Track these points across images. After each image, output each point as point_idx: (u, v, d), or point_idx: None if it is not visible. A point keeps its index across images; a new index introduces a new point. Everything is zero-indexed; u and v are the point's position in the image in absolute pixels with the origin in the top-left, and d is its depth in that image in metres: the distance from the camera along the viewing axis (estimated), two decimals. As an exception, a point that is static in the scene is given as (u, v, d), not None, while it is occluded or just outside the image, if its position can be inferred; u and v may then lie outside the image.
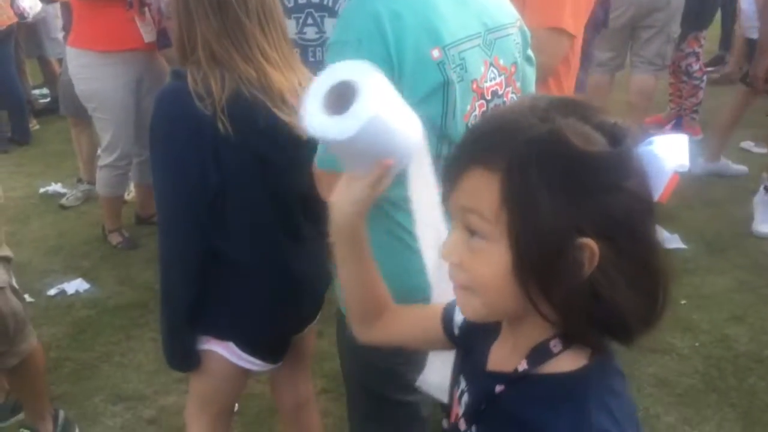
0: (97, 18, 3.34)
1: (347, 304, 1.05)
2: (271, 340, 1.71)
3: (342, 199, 0.93)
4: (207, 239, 1.53)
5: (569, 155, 0.68)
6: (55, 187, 4.53)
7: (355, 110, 0.84)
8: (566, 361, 0.76)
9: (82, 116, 3.91)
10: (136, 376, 2.80)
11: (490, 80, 1.37)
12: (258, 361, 1.69)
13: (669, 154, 0.75)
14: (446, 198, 0.78)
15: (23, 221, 4.13)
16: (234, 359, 1.66)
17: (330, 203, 0.95)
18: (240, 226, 1.55)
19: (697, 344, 2.96)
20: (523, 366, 0.77)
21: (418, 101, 1.25)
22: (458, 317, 0.96)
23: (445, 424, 0.91)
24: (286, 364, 1.81)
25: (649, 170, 0.73)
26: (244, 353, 1.66)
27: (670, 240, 3.79)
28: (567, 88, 2.29)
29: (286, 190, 1.58)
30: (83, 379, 2.80)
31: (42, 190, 4.51)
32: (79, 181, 4.39)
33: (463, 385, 0.89)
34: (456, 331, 0.96)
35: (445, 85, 1.27)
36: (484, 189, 0.71)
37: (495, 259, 0.72)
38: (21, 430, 2.40)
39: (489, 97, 1.37)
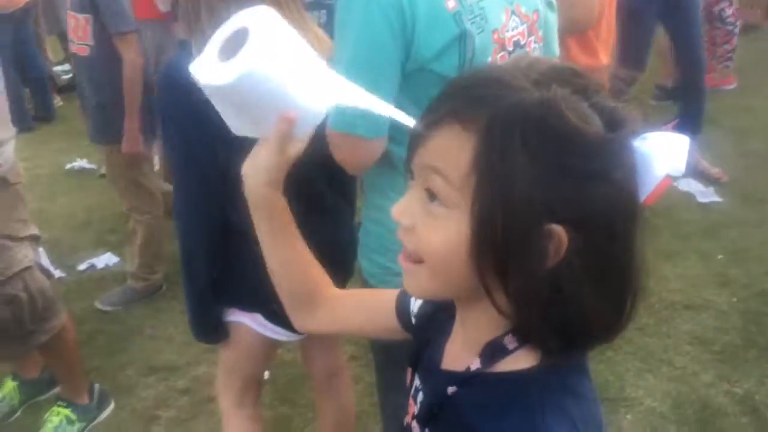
0: None
1: (277, 289, 0.94)
2: None
3: (250, 168, 0.84)
4: (223, 213, 1.50)
5: (559, 129, 0.60)
6: (81, 162, 4.55)
7: (243, 53, 0.76)
8: (523, 359, 0.68)
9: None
10: (167, 348, 2.82)
11: (512, 30, 1.30)
12: (285, 331, 1.67)
13: (664, 154, 0.66)
14: (411, 154, 0.69)
15: (50, 198, 4.16)
16: (261, 330, 1.65)
17: (243, 174, 0.86)
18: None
19: (734, 300, 2.88)
20: (475, 365, 0.69)
21: (433, 56, 1.21)
22: (414, 305, 0.88)
23: (404, 421, 0.84)
24: (313, 338, 1.79)
25: (639, 168, 0.64)
26: (271, 323, 1.65)
27: (704, 194, 3.69)
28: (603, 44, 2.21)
29: (303, 159, 1.53)
30: (116, 352, 2.83)
31: (68, 166, 4.54)
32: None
33: (417, 381, 0.81)
34: (413, 320, 0.88)
35: (462, 38, 1.21)
36: (455, 148, 0.63)
37: (452, 229, 0.64)
38: (58, 402, 2.43)
39: (511, 48, 1.31)
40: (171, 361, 2.75)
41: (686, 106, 3.91)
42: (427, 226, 0.66)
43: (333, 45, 1.42)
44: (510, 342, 0.68)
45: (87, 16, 2.68)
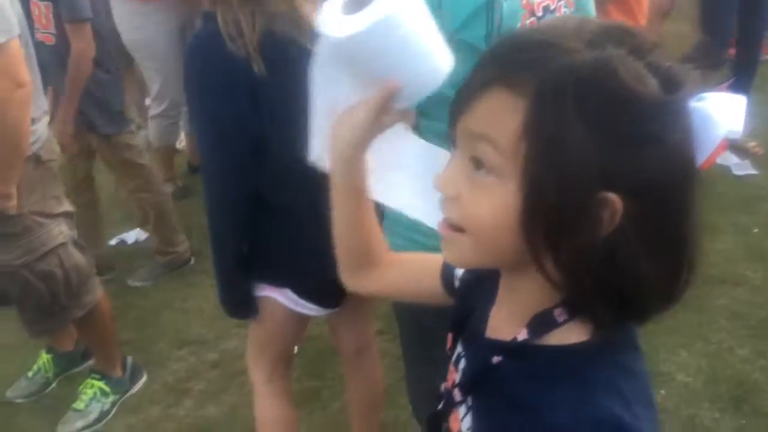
0: None
1: (338, 246, 0.94)
2: (327, 286, 1.67)
3: (343, 127, 0.82)
4: (251, 185, 1.49)
5: (615, 92, 0.57)
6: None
7: (371, 8, 0.74)
8: (572, 333, 0.65)
9: (127, 65, 3.91)
10: (198, 322, 2.85)
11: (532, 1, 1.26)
12: (315, 306, 1.67)
13: (722, 116, 0.63)
14: (454, 120, 0.66)
15: (81, 174, 4.20)
16: (291, 305, 1.64)
17: (331, 133, 0.84)
18: (285, 169, 1.47)
19: (771, 274, 2.82)
20: (522, 335, 0.67)
21: (461, 25, 1.18)
22: (459, 270, 0.86)
23: (442, 387, 0.82)
24: (344, 309, 1.78)
25: (697, 130, 0.61)
26: (301, 299, 1.64)
27: (740, 166, 3.60)
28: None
29: None
30: (148, 325, 2.86)
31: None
32: (139, 128, 4.41)
33: (460, 349, 0.79)
34: (456, 283, 0.87)
35: (489, 4, 1.18)
36: (504, 114, 0.60)
37: (501, 200, 0.61)
38: (92, 375, 2.47)
39: (540, 13, 1.26)
40: (201, 334, 2.77)
41: (739, 70, 3.80)
42: (473, 196, 0.64)
43: None
44: (560, 314, 0.66)
45: (47, 3, 2.63)
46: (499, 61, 0.63)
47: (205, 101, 1.45)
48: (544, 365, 0.66)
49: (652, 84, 0.58)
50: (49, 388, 2.56)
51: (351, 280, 0.96)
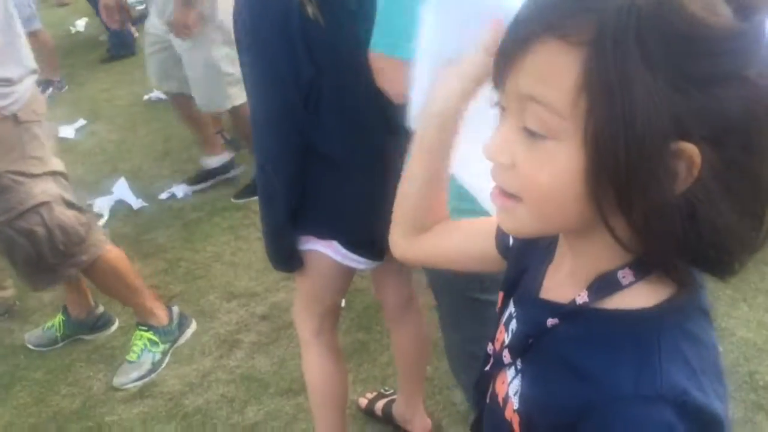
0: None
1: (402, 203, 0.89)
2: (374, 237, 1.64)
3: (450, 75, 0.77)
4: (305, 136, 1.45)
5: (684, 27, 0.50)
6: (158, 93, 4.60)
7: None
8: (636, 296, 0.60)
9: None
10: (247, 275, 2.87)
11: None
12: (362, 259, 1.64)
13: None
14: (499, 81, 0.60)
15: (131, 129, 4.25)
16: (338, 258, 1.62)
17: (436, 85, 0.79)
18: (338, 120, 1.45)
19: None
20: (582, 298, 0.62)
21: None
22: None
23: (489, 348, 0.78)
24: (388, 263, 1.75)
25: None
26: (348, 251, 1.62)
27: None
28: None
29: (366, 106, 1.44)
30: (198, 278, 2.91)
31: (146, 97, 4.61)
32: None
33: (511, 308, 0.75)
34: (510, 242, 0.81)
35: None
36: (558, 68, 0.54)
37: (563, 162, 0.55)
38: (138, 327, 2.51)
39: None
40: (250, 287, 2.80)
41: None
42: (531, 162, 0.58)
43: None
44: (625, 276, 0.60)
45: None
46: (545, 9, 0.56)
47: (255, 48, 1.40)
48: (605, 331, 0.61)
49: (724, 11, 0.51)
50: (57, 346, 2.59)
51: (403, 244, 0.91)
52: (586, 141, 0.54)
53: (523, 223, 0.62)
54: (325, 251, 1.62)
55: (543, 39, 0.54)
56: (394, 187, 1.50)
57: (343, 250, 1.61)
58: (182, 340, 2.56)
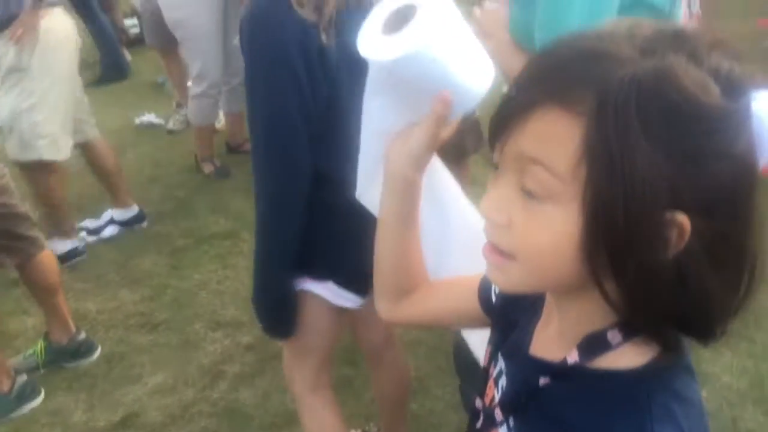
0: None
1: (379, 272, 0.91)
2: (366, 272, 1.62)
3: (399, 150, 0.80)
4: (313, 168, 1.39)
5: (679, 104, 0.53)
6: (149, 117, 4.61)
7: (414, 28, 0.73)
8: (625, 356, 0.62)
9: (168, 45, 3.92)
10: (233, 304, 2.86)
11: None
12: (353, 296, 1.61)
13: None
14: (498, 141, 0.61)
15: (120, 152, 4.22)
16: (332, 298, 1.58)
17: (386, 154, 0.82)
18: (347, 146, 1.44)
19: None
20: (573, 357, 0.63)
21: None
22: None
23: (478, 403, 0.79)
24: (366, 309, 1.75)
25: (757, 134, 0.56)
26: (343, 290, 1.57)
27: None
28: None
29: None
30: (183, 306, 2.89)
31: (137, 121, 4.60)
32: (178, 106, 4.44)
33: (501, 365, 0.76)
34: (494, 299, 0.83)
35: None
36: (559, 135, 0.55)
37: (560, 225, 0.57)
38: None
39: None
40: (236, 317, 2.78)
41: None
42: (529, 223, 0.59)
43: None
44: (613, 336, 0.62)
45: None
46: (548, 77, 0.58)
47: (263, 68, 1.35)
48: (597, 390, 0.62)
49: (716, 93, 0.54)
50: (39, 373, 2.54)
51: (389, 308, 0.93)
52: (585, 205, 0.55)
53: (514, 281, 0.63)
54: (321, 292, 1.57)
55: (546, 106, 0.56)
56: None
57: (339, 289, 1.58)
58: (17, 413, 2.39)
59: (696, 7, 1.39)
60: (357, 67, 1.32)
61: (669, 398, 0.60)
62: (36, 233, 2.44)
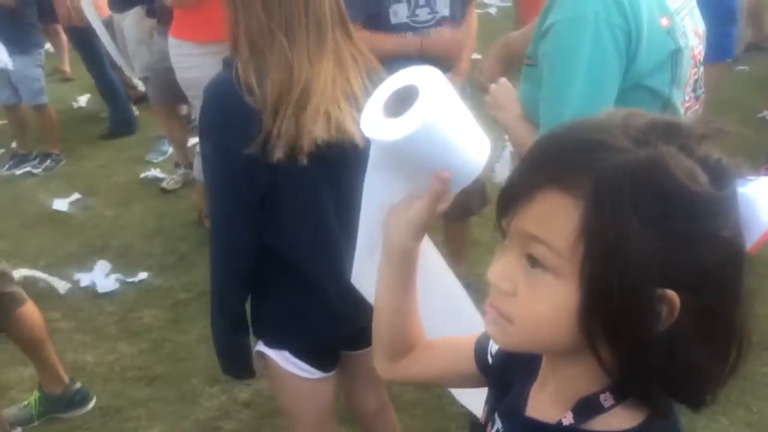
0: (197, 9, 3.41)
1: (378, 335, 0.95)
2: (325, 346, 1.62)
3: (399, 220, 0.86)
4: (261, 235, 1.47)
5: (670, 191, 0.58)
6: (155, 172, 4.69)
7: (412, 112, 0.78)
8: (618, 419, 0.66)
9: (170, 103, 4.03)
10: (232, 360, 2.85)
11: (696, 48, 1.37)
12: (312, 369, 1.62)
13: (766, 202, 0.64)
14: (504, 217, 0.66)
15: (126, 205, 4.30)
16: (289, 367, 1.60)
17: (385, 222, 0.88)
18: (296, 223, 1.47)
19: (817, 343, 2.73)
20: (568, 420, 0.68)
21: (650, 71, 1.27)
22: (493, 345, 0.87)
23: None
24: (358, 371, 1.75)
25: (744, 216, 0.62)
26: (299, 360, 1.60)
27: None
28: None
29: (350, 187, 1.47)
30: (181, 360, 2.89)
31: (142, 175, 4.68)
32: (177, 165, 4.52)
33: (498, 425, 0.79)
34: (490, 360, 0.87)
35: (676, 53, 1.28)
36: (559, 216, 0.61)
37: (559, 298, 0.62)
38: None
39: (698, 66, 1.37)
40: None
41: None
42: (531, 293, 0.64)
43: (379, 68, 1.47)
44: (606, 399, 0.66)
45: None
46: (550, 162, 0.63)
47: (216, 148, 1.43)
48: None
49: (704, 181, 0.59)
50: (32, 425, 2.54)
51: (388, 368, 0.97)
52: (583, 281, 0.60)
53: (511, 340, 0.68)
54: (276, 359, 1.60)
55: (548, 189, 0.62)
56: (347, 300, 1.52)
57: (293, 359, 1.59)
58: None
59: (700, 92, 1.45)
60: (307, 155, 1.37)
61: None
62: (14, 288, 2.43)
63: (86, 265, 3.57)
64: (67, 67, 6.92)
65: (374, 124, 0.82)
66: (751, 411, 2.41)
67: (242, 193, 1.42)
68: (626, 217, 0.58)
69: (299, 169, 1.39)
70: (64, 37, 6.36)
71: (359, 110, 1.35)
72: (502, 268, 0.67)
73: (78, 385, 2.62)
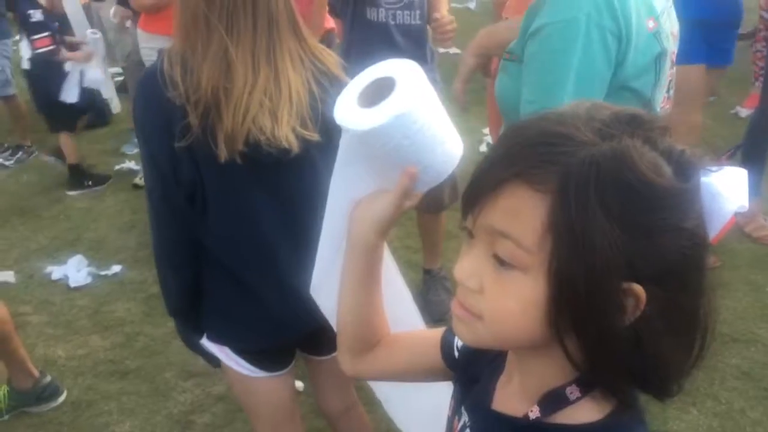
0: (165, 3, 3.36)
1: (342, 330, 0.94)
2: (266, 347, 1.59)
3: (364, 215, 0.85)
4: (192, 230, 1.44)
5: (634, 184, 0.58)
6: (129, 164, 4.63)
7: (388, 102, 0.77)
8: (583, 411, 0.66)
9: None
10: (206, 353, 2.84)
11: (671, 48, 1.38)
12: (256, 369, 1.59)
13: (729, 192, 0.65)
14: (470, 213, 0.65)
15: (99, 198, 4.25)
16: (232, 365, 1.58)
17: (351, 215, 0.87)
18: (225, 226, 1.43)
19: (784, 335, 2.79)
20: (534, 413, 0.68)
21: (636, 73, 1.28)
22: (459, 340, 0.87)
23: None
24: (326, 370, 1.74)
25: (707, 206, 0.63)
26: (241, 359, 1.57)
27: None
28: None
29: (290, 191, 1.43)
30: (155, 354, 2.86)
31: (117, 167, 4.62)
32: None
33: (465, 418, 0.79)
34: (456, 354, 0.87)
35: (661, 55, 1.29)
36: (526, 211, 0.60)
37: (527, 293, 0.62)
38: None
39: (673, 66, 1.40)
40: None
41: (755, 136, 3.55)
42: (498, 289, 0.64)
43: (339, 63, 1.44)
44: (572, 392, 0.66)
45: None
46: (515, 157, 0.63)
47: (143, 142, 1.40)
48: None
49: (668, 173, 0.60)
50: (3, 419, 2.52)
51: (352, 363, 0.96)
52: (550, 275, 0.60)
53: (479, 337, 0.67)
54: (218, 354, 1.58)
55: (513, 183, 0.61)
56: (287, 301, 1.49)
57: (234, 356, 1.57)
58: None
59: (671, 92, 1.47)
60: (234, 156, 1.30)
61: None
62: None
63: (58, 258, 3.52)
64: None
65: (348, 113, 0.81)
66: (720, 402, 2.45)
67: (168, 189, 1.38)
68: (591, 211, 0.58)
69: (226, 169, 1.33)
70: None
71: (300, 114, 1.34)
72: (469, 266, 0.66)
73: (48, 378, 2.59)
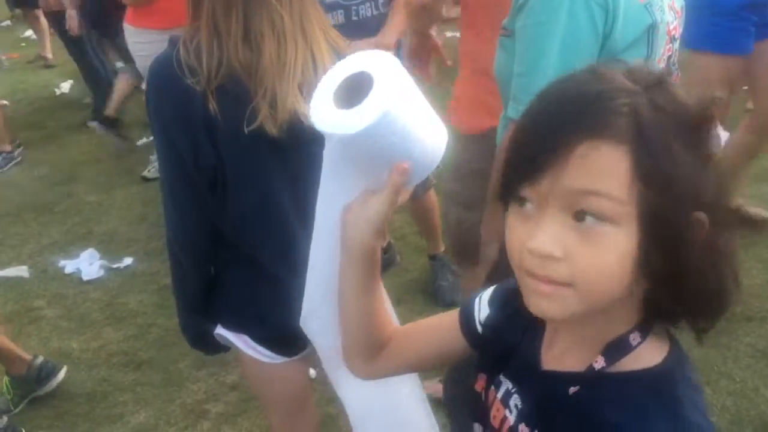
0: None
1: (349, 337, 0.92)
2: (286, 333, 1.50)
3: (357, 218, 0.82)
4: (211, 220, 1.43)
5: (687, 119, 0.63)
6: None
7: (370, 102, 0.73)
8: (645, 356, 0.69)
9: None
10: (218, 343, 2.85)
11: (672, 23, 1.37)
12: (274, 355, 1.58)
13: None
14: (529, 182, 0.64)
15: (109, 191, 4.28)
16: (250, 352, 1.56)
17: (343, 220, 0.84)
18: (245, 210, 1.42)
19: (799, 312, 2.76)
20: (600, 363, 0.68)
21: (627, 46, 1.27)
22: (481, 313, 0.86)
23: (478, 429, 0.83)
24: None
25: None
26: (258, 345, 1.56)
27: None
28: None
29: (305, 172, 1.36)
30: (168, 344, 2.88)
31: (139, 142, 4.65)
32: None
33: (507, 386, 0.79)
34: (479, 329, 0.86)
35: (652, 27, 1.28)
36: (610, 164, 0.61)
37: (622, 243, 0.62)
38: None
39: (673, 42, 1.38)
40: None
41: None
42: (589, 249, 0.63)
43: (347, 45, 1.42)
44: (634, 338, 0.68)
45: None
46: (577, 115, 0.63)
47: (160, 129, 1.39)
48: (630, 391, 0.68)
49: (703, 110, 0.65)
50: (14, 412, 2.53)
51: (365, 367, 0.95)
52: (642, 220, 0.62)
53: (568, 307, 0.66)
54: (235, 342, 1.57)
55: (586, 142, 0.62)
56: (304, 274, 1.47)
57: (253, 343, 1.56)
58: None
59: (674, 68, 1.45)
60: (245, 138, 1.32)
61: (688, 387, 0.68)
62: None
63: (70, 252, 3.55)
64: (49, 53, 6.85)
65: (329, 117, 0.76)
66: (734, 380, 2.43)
67: (188, 175, 1.37)
68: (672, 148, 0.62)
69: (250, 149, 1.34)
70: (44, 22, 6.28)
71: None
72: (549, 234, 0.64)
73: (40, 359, 2.61)
